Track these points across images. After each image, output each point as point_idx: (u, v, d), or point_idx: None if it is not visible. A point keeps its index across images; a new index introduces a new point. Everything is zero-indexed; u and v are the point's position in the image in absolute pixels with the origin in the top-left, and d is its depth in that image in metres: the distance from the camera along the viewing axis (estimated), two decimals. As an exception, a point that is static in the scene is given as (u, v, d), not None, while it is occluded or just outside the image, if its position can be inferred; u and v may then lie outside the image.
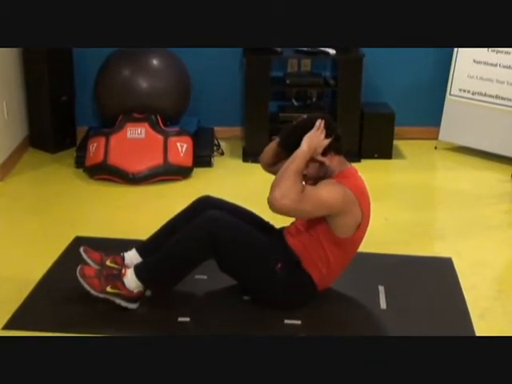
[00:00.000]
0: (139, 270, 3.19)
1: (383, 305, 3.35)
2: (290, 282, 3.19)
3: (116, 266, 3.35)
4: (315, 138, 3.03)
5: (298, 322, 3.16)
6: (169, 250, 3.18)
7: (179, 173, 4.97)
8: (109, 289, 3.17)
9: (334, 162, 3.14)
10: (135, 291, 3.19)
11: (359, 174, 3.23)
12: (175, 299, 3.34)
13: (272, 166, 3.34)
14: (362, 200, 3.11)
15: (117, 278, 3.19)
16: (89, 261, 3.38)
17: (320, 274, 3.20)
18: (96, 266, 3.34)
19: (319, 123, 3.05)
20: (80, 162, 5.09)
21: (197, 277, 3.46)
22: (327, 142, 3.07)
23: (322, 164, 3.10)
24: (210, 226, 3.11)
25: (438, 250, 4.00)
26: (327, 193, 3.01)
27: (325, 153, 3.09)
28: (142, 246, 3.43)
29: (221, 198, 3.45)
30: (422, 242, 4.11)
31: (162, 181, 4.90)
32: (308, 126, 3.07)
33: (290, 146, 3.08)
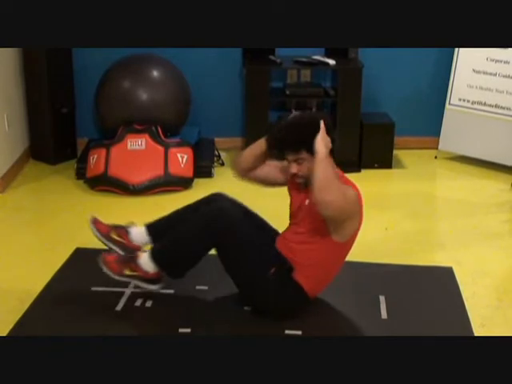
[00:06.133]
0: (153, 253, 3.28)
1: (384, 315, 3.35)
2: (280, 289, 3.19)
3: (119, 239, 3.46)
4: (326, 140, 3.04)
5: (299, 333, 3.16)
6: (178, 234, 3.26)
7: (180, 184, 4.98)
8: (127, 271, 3.30)
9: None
10: (151, 272, 3.28)
11: None
12: (176, 310, 3.34)
13: (251, 171, 3.36)
14: (362, 205, 3.14)
15: (132, 260, 3.30)
16: (94, 230, 3.47)
17: (312, 282, 3.20)
18: (100, 236, 3.46)
19: (323, 125, 3.05)
20: (81, 174, 5.10)
21: (198, 288, 3.46)
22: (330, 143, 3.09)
23: None
24: (217, 216, 3.18)
25: (439, 260, 4.00)
26: (352, 193, 3.07)
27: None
28: (152, 227, 3.49)
29: (234, 198, 3.47)
30: (423, 251, 4.11)
31: (163, 192, 4.91)
32: (310, 125, 3.07)
33: (288, 144, 3.08)
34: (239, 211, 3.33)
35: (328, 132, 3.06)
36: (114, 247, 3.45)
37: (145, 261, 3.27)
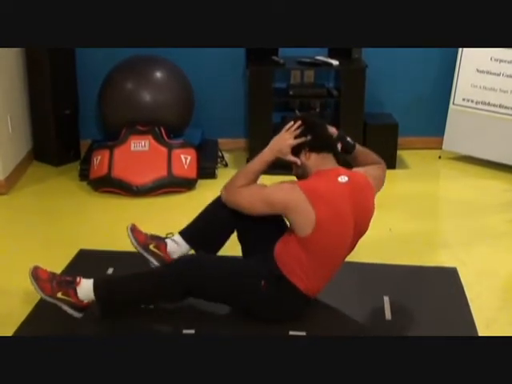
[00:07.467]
0: (99, 287, 3.18)
1: (388, 315, 3.34)
2: (277, 295, 3.17)
3: (158, 253, 3.38)
4: (280, 140, 3.16)
5: (303, 334, 3.15)
6: (140, 284, 3.21)
7: (183, 185, 4.98)
8: (59, 295, 3.17)
9: (310, 160, 3.15)
10: (85, 301, 3.19)
11: (342, 176, 3.14)
12: (180, 311, 3.34)
13: None
14: (315, 200, 3.01)
15: (69, 285, 3.18)
16: (133, 240, 3.40)
17: (301, 280, 3.14)
18: (138, 247, 3.40)
19: (289, 125, 3.16)
20: (84, 175, 5.10)
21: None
22: (295, 142, 3.13)
23: (294, 163, 3.17)
24: (185, 274, 3.15)
25: (443, 260, 3.99)
26: (271, 190, 3.12)
27: (297, 152, 3.15)
28: (187, 232, 3.43)
29: None
30: (427, 251, 4.10)
31: (167, 193, 4.90)
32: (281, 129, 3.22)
33: None
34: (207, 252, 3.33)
35: (302, 131, 3.14)
36: (151, 259, 3.39)
37: (85, 290, 3.16)
